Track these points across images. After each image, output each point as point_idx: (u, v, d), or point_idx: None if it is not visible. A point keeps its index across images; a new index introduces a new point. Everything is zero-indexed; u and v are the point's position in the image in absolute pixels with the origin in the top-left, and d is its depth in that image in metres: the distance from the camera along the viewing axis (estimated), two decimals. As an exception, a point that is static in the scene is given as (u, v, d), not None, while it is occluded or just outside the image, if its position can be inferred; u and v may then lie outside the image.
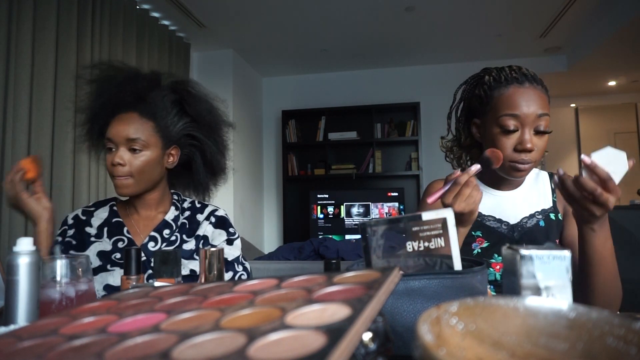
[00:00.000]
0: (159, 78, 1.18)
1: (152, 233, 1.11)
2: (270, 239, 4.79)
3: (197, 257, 1.11)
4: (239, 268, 1.15)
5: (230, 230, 1.19)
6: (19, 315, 0.59)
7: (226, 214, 1.23)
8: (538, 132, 0.93)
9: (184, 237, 1.14)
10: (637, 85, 5.12)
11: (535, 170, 1.10)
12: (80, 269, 0.67)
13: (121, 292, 0.53)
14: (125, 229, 1.12)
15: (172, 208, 1.18)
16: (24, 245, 0.61)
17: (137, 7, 3.11)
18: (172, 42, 3.53)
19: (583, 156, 0.77)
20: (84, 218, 1.14)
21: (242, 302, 0.40)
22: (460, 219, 0.82)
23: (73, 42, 2.45)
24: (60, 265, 0.65)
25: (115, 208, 1.18)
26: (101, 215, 1.16)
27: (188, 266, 1.07)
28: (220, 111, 1.22)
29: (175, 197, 1.21)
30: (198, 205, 1.22)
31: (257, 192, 4.61)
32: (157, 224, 1.13)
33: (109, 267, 1.05)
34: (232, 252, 1.15)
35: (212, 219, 1.18)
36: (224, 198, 3.89)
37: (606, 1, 3.25)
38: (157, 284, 0.62)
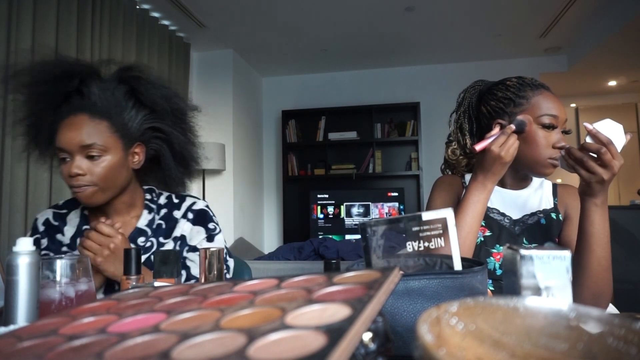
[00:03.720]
0: (96, 69, 1.02)
1: None
2: (270, 239, 4.79)
3: None
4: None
5: (210, 226, 1.09)
6: (18, 316, 0.59)
7: (206, 206, 1.13)
8: (564, 133, 1.03)
9: (161, 239, 1.06)
10: (637, 85, 5.12)
11: (539, 179, 1.13)
12: (80, 269, 0.67)
13: (121, 292, 0.53)
14: None
15: (145, 212, 1.07)
16: (24, 245, 0.61)
17: (137, 7, 3.11)
18: (172, 42, 3.53)
19: (586, 124, 0.86)
20: (55, 224, 1.05)
21: (242, 302, 0.39)
22: (497, 169, 0.93)
23: (73, 42, 2.45)
24: (60, 266, 0.65)
25: (86, 212, 1.07)
26: (74, 221, 1.06)
27: None
28: (180, 94, 1.10)
29: (148, 195, 1.10)
30: (176, 201, 1.12)
31: (257, 192, 4.61)
32: (131, 232, 1.04)
33: None
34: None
35: (190, 215, 1.09)
36: (224, 198, 3.90)
37: (606, 1, 3.25)
38: (157, 284, 0.62)
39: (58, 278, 0.65)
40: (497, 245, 1.04)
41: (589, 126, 0.84)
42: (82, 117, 0.94)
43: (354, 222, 4.27)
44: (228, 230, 3.86)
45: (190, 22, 3.42)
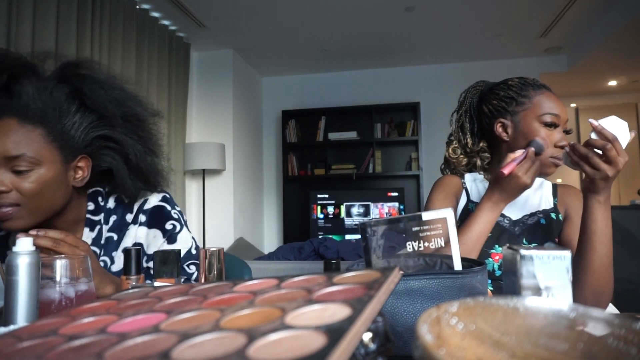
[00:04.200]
0: (31, 63, 0.84)
1: None
2: (270, 239, 4.79)
3: None
4: (192, 268, 0.92)
5: (167, 226, 0.93)
6: (18, 316, 0.58)
7: (163, 198, 0.95)
8: (565, 132, 1.03)
9: (114, 255, 0.90)
10: (637, 85, 5.12)
11: (539, 179, 1.13)
12: (79, 269, 0.67)
13: (121, 292, 0.53)
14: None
15: (86, 230, 0.90)
16: (24, 245, 0.60)
17: (137, 7, 3.11)
18: (172, 42, 3.53)
19: (591, 120, 0.86)
20: None
21: (242, 302, 0.39)
22: (516, 192, 0.92)
23: (73, 42, 2.45)
24: (60, 266, 0.65)
25: (2, 232, 0.90)
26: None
27: None
28: (138, 98, 0.93)
29: (92, 205, 0.92)
30: (126, 201, 0.94)
31: (257, 192, 4.61)
32: None
33: None
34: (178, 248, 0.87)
35: (142, 218, 0.93)
36: (224, 198, 3.90)
37: (606, 1, 3.25)
38: (157, 284, 0.62)
39: (58, 278, 0.65)
40: (496, 246, 1.04)
41: (595, 122, 0.85)
42: (9, 122, 0.77)
43: (354, 222, 4.27)
44: (228, 230, 3.86)
45: (190, 22, 3.42)
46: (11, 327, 0.52)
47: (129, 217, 0.93)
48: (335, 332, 0.28)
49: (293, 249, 2.94)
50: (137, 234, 0.92)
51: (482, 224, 0.93)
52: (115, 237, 0.91)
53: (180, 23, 3.47)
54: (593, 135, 0.85)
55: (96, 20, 2.67)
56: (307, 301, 0.36)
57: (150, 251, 0.93)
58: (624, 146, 0.84)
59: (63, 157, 0.82)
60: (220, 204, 3.86)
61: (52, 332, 0.39)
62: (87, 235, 0.90)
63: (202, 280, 0.70)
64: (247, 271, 1.30)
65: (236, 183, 4.01)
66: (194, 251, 0.95)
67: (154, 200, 0.95)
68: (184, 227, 0.95)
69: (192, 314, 0.38)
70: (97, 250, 0.89)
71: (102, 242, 0.90)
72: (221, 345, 0.29)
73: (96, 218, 0.91)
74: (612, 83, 5.04)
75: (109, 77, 0.89)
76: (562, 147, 0.98)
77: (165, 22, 3.45)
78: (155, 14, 3.32)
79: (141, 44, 3.13)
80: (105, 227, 0.92)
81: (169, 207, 0.95)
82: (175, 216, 0.95)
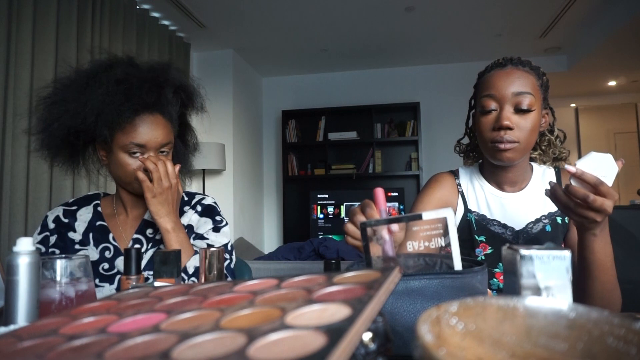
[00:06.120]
0: (169, 70, 1.06)
1: (135, 235, 1.05)
2: (270, 239, 4.79)
3: None
4: (226, 256, 1.08)
5: (217, 218, 1.13)
6: (19, 315, 0.58)
7: (215, 202, 1.17)
8: (520, 111, 0.92)
9: None
10: (637, 85, 5.12)
11: (540, 169, 1.06)
12: (80, 269, 0.67)
13: (121, 292, 0.53)
14: (110, 235, 1.04)
15: None
16: (24, 245, 0.60)
17: (137, 7, 3.11)
18: (172, 42, 3.53)
19: (567, 166, 0.75)
20: (66, 221, 1.06)
21: (242, 302, 0.39)
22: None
23: (73, 42, 2.45)
24: (60, 266, 0.65)
25: (99, 209, 1.09)
26: (85, 217, 1.07)
27: None
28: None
29: None
30: (186, 198, 1.16)
31: (257, 192, 4.61)
32: (139, 224, 1.07)
33: (97, 281, 0.99)
34: (219, 239, 1.09)
35: (199, 208, 1.13)
36: (224, 198, 3.89)
37: (606, 1, 3.25)
38: (157, 284, 0.62)
39: (58, 278, 0.65)
40: (500, 264, 0.97)
41: (571, 168, 0.73)
42: (159, 117, 1.01)
43: (354, 222, 4.27)
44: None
45: (190, 22, 3.42)
46: (11, 327, 0.52)
47: (185, 208, 1.13)
48: (335, 332, 0.28)
49: (293, 249, 2.94)
50: (191, 218, 1.11)
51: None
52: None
53: (181, 23, 3.46)
54: (573, 182, 0.73)
55: (96, 20, 2.67)
56: (307, 301, 0.36)
57: (199, 232, 1.10)
58: (611, 181, 0.73)
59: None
60: (220, 204, 3.85)
61: (52, 332, 0.39)
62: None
63: (202, 280, 0.70)
64: (247, 271, 1.30)
65: (236, 183, 4.01)
66: (229, 247, 1.13)
67: (209, 200, 1.17)
68: (227, 226, 1.15)
69: (192, 314, 0.38)
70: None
71: None
72: (221, 345, 0.29)
73: None
74: (612, 83, 5.04)
75: (192, 84, 1.13)
76: (499, 129, 0.91)
77: (165, 22, 3.45)
78: (155, 14, 3.32)
79: (141, 44, 3.13)
80: None
81: (218, 209, 1.17)
82: (223, 216, 1.17)
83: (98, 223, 1.06)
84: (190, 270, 0.98)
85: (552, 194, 0.77)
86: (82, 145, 1.04)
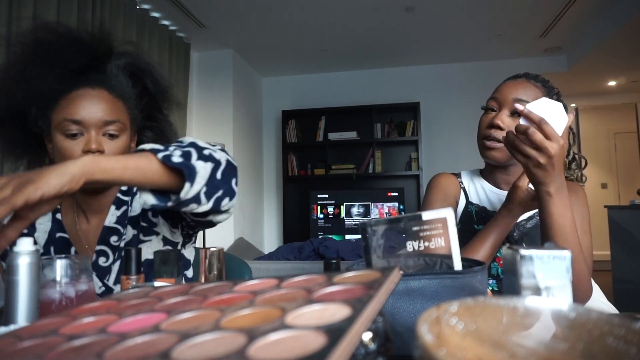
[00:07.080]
0: (112, 46, 0.91)
1: (98, 247, 0.90)
2: (270, 239, 4.79)
3: None
4: None
5: None
6: (19, 315, 0.58)
7: None
8: (514, 114, 0.98)
9: (141, 236, 0.93)
10: (637, 85, 5.12)
11: None
12: (80, 269, 0.67)
13: (121, 292, 0.53)
14: (72, 249, 0.90)
15: (112, 207, 0.93)
16: (24, 245, 0.60)
17: (137, 7, 3.11)
18: (172, 42, 3.53)
19: (517, 105, 0.81)
20: (25, 231, 0.89)
21: (242, 302, 0.39)
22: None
23: (73, 42, 2.45)
24: (60, 266, 0.65)
25: (58, 216, 0.93)
26: (45, 226, 0.92)
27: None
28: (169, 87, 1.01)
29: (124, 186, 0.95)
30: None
31: (257, 192, 4.61)
32: (100, 233, 0.91)
33: None
34: None
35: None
36: (224, 198, 3.89)
37: (606, 1, 3.26)
38: (157, 284, 0.62)
39: (58, 278, 0.65)
40: (500, 251, 1.01)
41: (520, 106, 0.77)
42: (102, 92, 0.86)
43: (354, 222, 4.27)
44: (228, 230, 3.86)
45: (190, 22, 3.42)
46: (11, 327, 0.52)
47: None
48: (335, 332, 0.28)
49: (293, 249, 2.94)
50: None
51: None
52: (140, 219, 0.95)
53: (181, 23, 3.46)
54: (521, 121, 0.77)
55: (96, 20, 2.67)
56: (307, 301, 0.36)
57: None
58: (561, 130, 0.76)
59: (132, 131, 0.92)
60: (220, 204, 3.85)
61: (52, 332, 0.39)
62: (113, 213, 0.93)
63: (202, 280, 0.70)
64: (247, 271, 1.30)
65: (236, 183, 4.01)
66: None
67: None
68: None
69: (192, 314, 0.38)
70: (120, 229, 0.93)
71: (126, 222, 0.94)
72: (221, 345, 0.29)
73: (125, 198, 0.95)
74: (612, 83, 5.04)
75: (155, 66, 0.98)
76: (491, 127, 0.98)
77: (165, 22, 3.45)
78: (156, 14, 3.32)
79: (141, 44, 3.13)
80: (129, 209, 0.95)
81: None
82: None
83: (58, 235, 0.92)
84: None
85: (504, 138, 0.82)
86: (40, 140, 0.91)
